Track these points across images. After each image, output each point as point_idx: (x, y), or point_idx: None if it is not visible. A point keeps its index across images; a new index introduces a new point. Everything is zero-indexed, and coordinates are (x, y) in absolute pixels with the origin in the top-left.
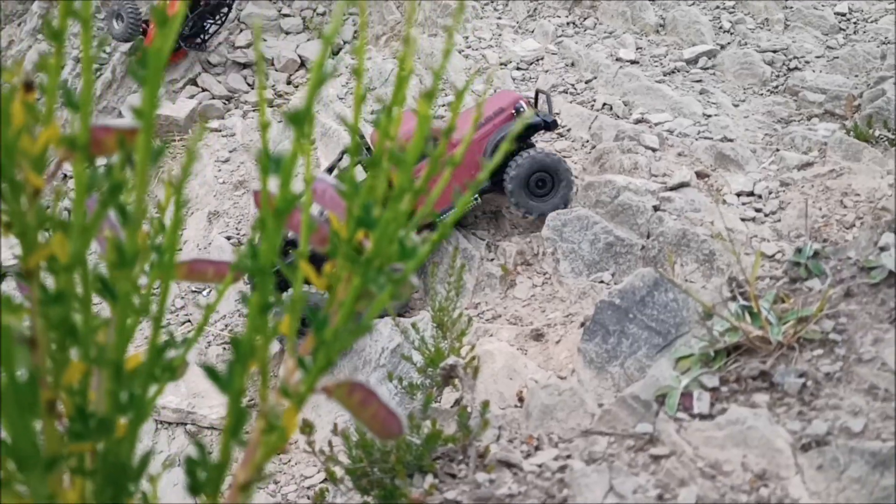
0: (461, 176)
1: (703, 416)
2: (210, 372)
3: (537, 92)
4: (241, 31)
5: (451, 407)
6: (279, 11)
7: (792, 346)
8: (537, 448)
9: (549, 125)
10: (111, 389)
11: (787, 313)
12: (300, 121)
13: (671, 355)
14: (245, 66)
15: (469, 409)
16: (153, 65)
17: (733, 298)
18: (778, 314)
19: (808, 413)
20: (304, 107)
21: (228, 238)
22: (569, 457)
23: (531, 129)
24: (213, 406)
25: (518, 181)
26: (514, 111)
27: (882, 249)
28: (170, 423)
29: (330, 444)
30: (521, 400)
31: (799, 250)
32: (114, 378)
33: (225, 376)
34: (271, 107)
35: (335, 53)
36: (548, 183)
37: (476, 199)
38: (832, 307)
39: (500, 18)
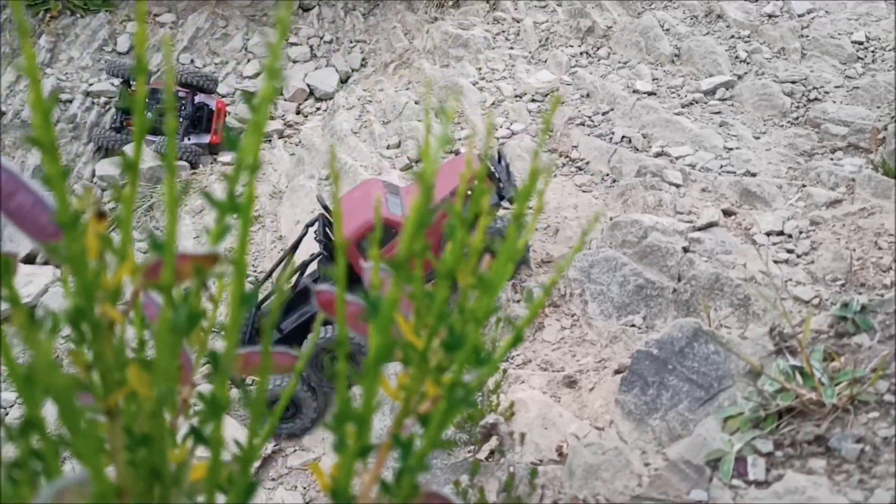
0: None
1: (759, 483)
2: None
3: (499, 153)
4: (249, 60)
5: (487, 458)
6: (286, 40)
7: (846, 409)
8: None
9: (502, 200)
10: None
11: (838, 373)
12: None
13: (717, 413)
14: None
15: (512, 470)
16: (244, 212)
17: (778, 352)
18: (830, 374)
19: (868, 481)
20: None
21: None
22: None
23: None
24: None
25: None
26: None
27: None
28: None
29: None
30: (560, 454)
31: (846, 305)
32: None
33: None
34: (282, 138)
35: (344, 81)
36: None
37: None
38: (885, 366)
39: (511, 49)
